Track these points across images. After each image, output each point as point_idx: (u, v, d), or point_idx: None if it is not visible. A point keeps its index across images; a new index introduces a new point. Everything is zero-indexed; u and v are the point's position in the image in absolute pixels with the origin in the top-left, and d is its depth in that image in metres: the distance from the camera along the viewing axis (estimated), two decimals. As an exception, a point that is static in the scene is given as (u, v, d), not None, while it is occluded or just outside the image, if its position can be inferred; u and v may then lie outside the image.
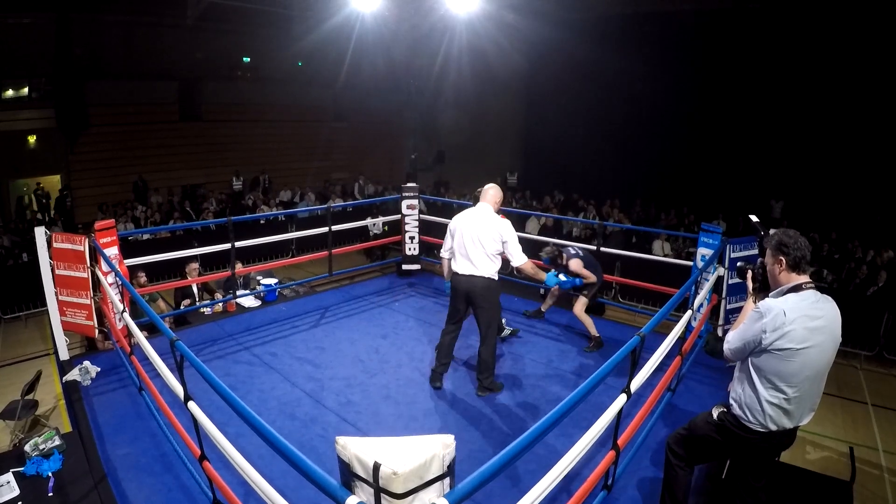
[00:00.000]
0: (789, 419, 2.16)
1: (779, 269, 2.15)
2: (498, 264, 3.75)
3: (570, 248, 4.79)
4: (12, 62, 11.31)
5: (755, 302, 2.35)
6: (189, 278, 6.03)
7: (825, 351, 2.11)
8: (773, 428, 2.16)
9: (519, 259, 3.72)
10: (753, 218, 3.04)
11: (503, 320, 4.80)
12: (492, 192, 3.85)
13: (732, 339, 2.22)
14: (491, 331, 3.79)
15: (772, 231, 2.29)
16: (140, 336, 3.12)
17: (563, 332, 5.00)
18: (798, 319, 2.04)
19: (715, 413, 2.34)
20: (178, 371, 2.55)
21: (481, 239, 3.65)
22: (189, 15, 12.59)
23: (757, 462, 2.34)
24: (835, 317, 2.11)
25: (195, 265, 6.29)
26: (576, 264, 4.58)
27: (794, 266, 2.11)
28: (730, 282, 4.57)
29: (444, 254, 4.07)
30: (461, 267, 3.74)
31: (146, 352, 3.02)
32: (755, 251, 4.61)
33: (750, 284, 2.46)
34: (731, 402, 2.26)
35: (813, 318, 2.06)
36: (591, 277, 4.59)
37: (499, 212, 4.13)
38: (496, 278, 3.75)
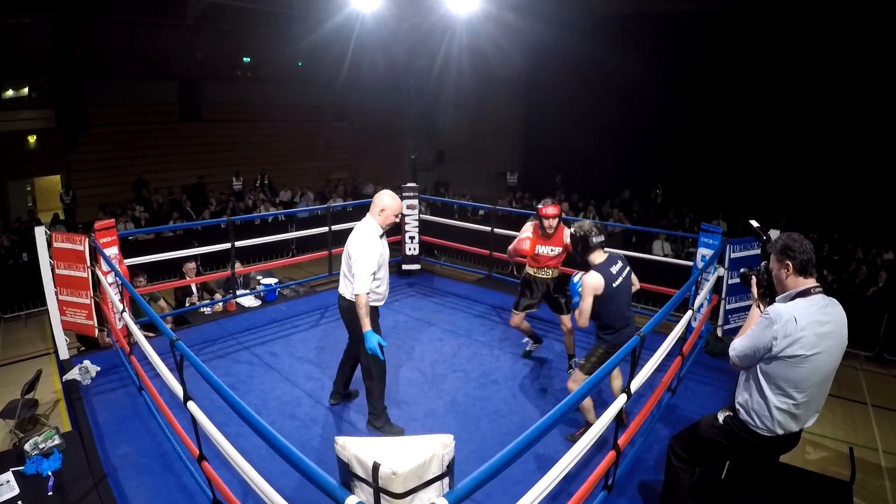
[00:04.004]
0: (796, 423, 2.16)
1: (786, 273, 2.11)
2: None
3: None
4: (12, 62, 11.32)
5: (760, 307, 2.34)
6: (187, 278, 6.03)
7: (833, 355, 2.10)
8: (780, 432, 2.16)
9: (357, 287, 3.06)
10: (754, 223, 3.02)
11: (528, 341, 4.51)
12: (377, 201, 3.25)
13: (740, 347, 2.18)
14: (368, 367, 3.27)
15: (773, 234, 2.27)
16: (139, 336, 3.12)
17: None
18: (809, 326, 2.02)
19: (720, 417, 2.33)
20: (178, 371, 2.55)
21: (344, 255, 3.29)
22: (189, 15, 12.60)
23: (760, 463, 2.34)
24: (842, 320, 2.10)
25: (192, 264, 6.30)
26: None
27: (801, 270, 2.08)
28: (730, 282, 4.57)
29: None
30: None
31: (145, 351, 3.02)
32: (756, 251, 4.60)
33: (755, 290, 2.40)
34: (738, 407, 2.24)
35: (822, 323, 2.04)
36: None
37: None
38: None
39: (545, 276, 4.14)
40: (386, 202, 3.23)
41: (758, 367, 2.14)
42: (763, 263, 2.37)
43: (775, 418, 2.13)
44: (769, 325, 2.05)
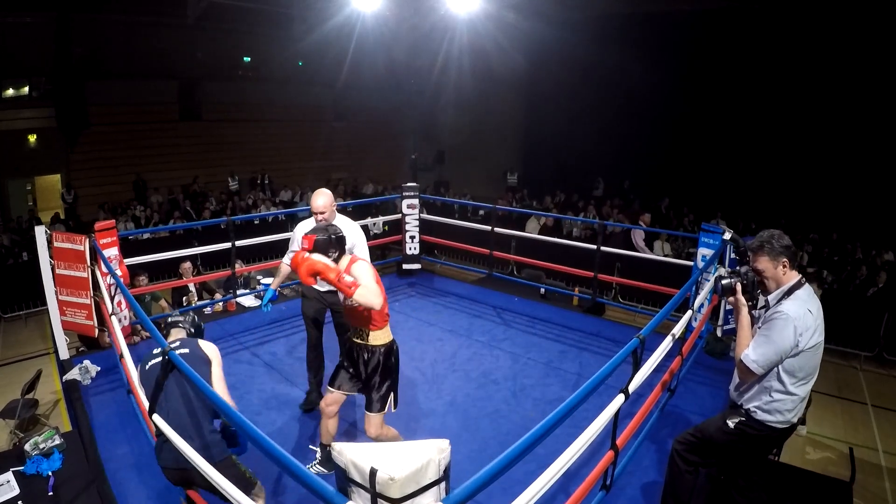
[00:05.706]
0: (804, 405, 2.30)
1: (784, 270, 2.20)
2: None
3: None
4: (12, 62, 11.31)
5: (754, 312, 2.36)
6: (184, 278, 6.04)
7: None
8: (795, 420, 2.25)
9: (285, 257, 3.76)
10: (727, 235, 3.01)
11: None
12: None
13: (761, 355, 2.15)
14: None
15: (770, 233, 2.26)
16: (123, 345, 3.12)
17: (563, 332, 5.00)
18: (817, 313, 2.16)
19: (731, 423, 2.33)
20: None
21: None
22: (189, 15, 12.58)
23: (763, 456, 2.39)
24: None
25: (187, 265, 6.30)
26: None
27: (793, 262, 2.21)
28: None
29: None
30: None
31: (127, 362, 3.02)
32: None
33: (742, 298, 2.34)
34: (754, 409, 2.25)
35: (819, 308, 2.19)
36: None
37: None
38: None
39: (361, 342, 2.71)
40: (312, 199, 3.51)
41: (779, 367, 2.18)
42: (744, 269, 2.39)
43: (796, 408, 2.21)
44: (787, 325, 2.10)
